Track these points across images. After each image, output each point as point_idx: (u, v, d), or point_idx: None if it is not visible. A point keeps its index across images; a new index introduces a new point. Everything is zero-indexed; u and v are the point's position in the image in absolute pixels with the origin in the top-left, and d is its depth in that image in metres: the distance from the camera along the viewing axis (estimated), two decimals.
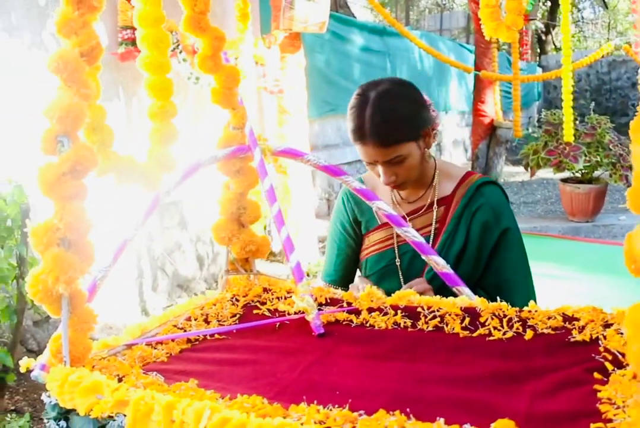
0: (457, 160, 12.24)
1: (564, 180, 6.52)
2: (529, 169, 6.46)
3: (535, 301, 1.58)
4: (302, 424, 0.85)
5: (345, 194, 1.74)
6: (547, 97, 17.59)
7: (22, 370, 1.19)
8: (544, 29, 20.01)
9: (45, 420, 1.08)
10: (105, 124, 1.26)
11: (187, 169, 1.44)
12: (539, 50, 21.14)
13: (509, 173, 10.78)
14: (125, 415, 0.95)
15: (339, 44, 7.54)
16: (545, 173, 8.24)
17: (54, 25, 1.04)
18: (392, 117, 1.46)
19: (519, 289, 1.59)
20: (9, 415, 3.02)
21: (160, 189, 1.40)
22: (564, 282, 3.67)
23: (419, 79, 10.24)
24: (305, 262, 5.47)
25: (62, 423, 1.05)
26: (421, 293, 1.43)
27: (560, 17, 4.90)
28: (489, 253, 1.58)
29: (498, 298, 1.35)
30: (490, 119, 9.91)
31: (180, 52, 3.76)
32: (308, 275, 5.22)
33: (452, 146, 12.14)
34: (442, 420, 0.84)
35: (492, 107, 9.87)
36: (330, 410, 0.91)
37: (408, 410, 0.88)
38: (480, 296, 1.51)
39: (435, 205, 1.63)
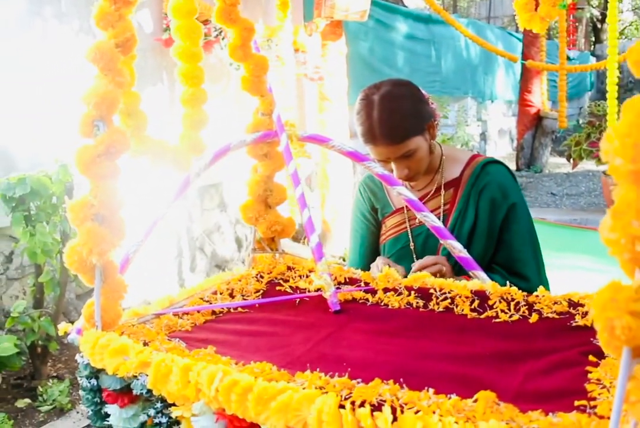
0: (502, 150, 12.09)
1: (607, 172, 6.41)
2: (571, 160, 6.39)
3: (544, 273, 1.64)
4: (303, 388, 0.93)
5: (361, 186, 1.86)
6: (600, 87, 17.14)
7: (60, 333, 1.30)
8: (600, 17, 19.48)
9: (79, 378, 1.19)
10: (140, 109, 1.36)
11: (217, 152, 1.52)
12: (593, 38, 20.58)
13: (555, 164, 10.63)
14: (147, 375, 1.05)
15: (383, 32, 7.53)
16: (591, 165, 8.11)
17: (93, 19, 1.13)
18: (398, 116, 1.54)
19: (529, 260, 1.66)
20: (50, 380, 3.20)
21: (190, 170, 1.49)
22: (601, 275, 3.64)
23: (465, 68, 10.15)
24: (342, 247, 5.54)
25: (93, 381, 1.16)
26: (441, 274, 1.50)
27: (616, 4, 4.78)
28: (499, 229, 1.66)
29: (509, 279, 1.41)
30: (536, 109, 9.79)
31: (223, 38, 3.85)
32: (344, 260, 5.29)
33: (497, 136, 12.00)
34: (431, 390, 0.91)
35: (539, 97, 9.75)
36: (332, 377, 0.98)
37: (401, 380, 0.95)
38: (495, 272, 1.58)
39: (442, 189, 1.70)
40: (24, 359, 3.25)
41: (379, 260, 1.67)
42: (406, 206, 1.71)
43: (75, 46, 3.61)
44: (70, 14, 3.59)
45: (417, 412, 0.84)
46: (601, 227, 0.69)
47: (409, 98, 1.58)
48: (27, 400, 3.11)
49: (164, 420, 1.06)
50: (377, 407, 0.86)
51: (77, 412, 3.03)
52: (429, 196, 1.72)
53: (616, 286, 0.68)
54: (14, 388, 3.23)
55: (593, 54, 17.12)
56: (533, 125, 9.80)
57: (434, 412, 0.83)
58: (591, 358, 1.05)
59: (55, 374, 3.35)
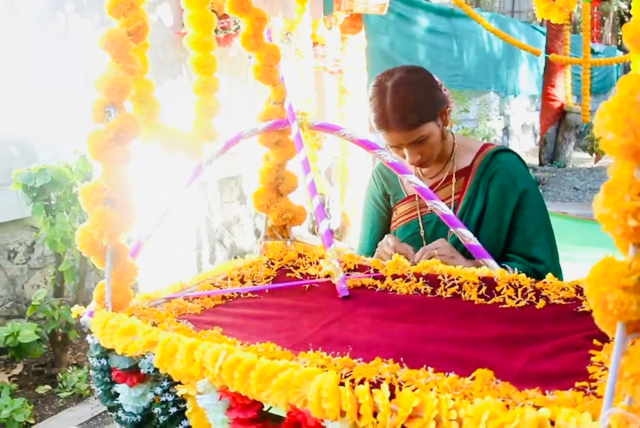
0: (525, 145, 11.98)
1: None
2: (593, 154, 6.31)
3: (558, 261, 1.63)
4: (305, 367, 0.94)
5: (375, 172, 1.86)
6: None
7: (73, 316, 1.33)
8: (627, 11, 19.18)
9: (90, 359, 1.22)
10: (153, 97, 1.38)
11: (229, 140, 1.54)
12: (621, 32, 20.29)
13: (579, 158, 10.50)
14: (154, 354, 1.07)
15: (404, 26, 7.50)
16: None
17: (106, 8, 1.15)
18: (411, 102, 1.54)
19: (543, 244, 1.65)
20: (70, 368, 3.27)
21: (203, 157, 1.51)
22: None
23: (488, 62, 10.06)
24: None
25: (103, 360, 1.18)
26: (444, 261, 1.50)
27: None
28: (511, 215, 1.65)
29: (527, 265, 1.41)
30: (560, 103, 9.69)
31: None
32: None
33: (520, 131, 11.89)
34: (430, 369, 0.92)
35: (562, 91, 9.64)
36: (334, 357, 0.99)
37: (402, 359, 0.96)
38: (511, 260, 1.58)
39: (454, 177, 1.70)
40: (45, 347, 3.31)
41: (388, 238, 1.67)
42: (417, 194, 1.71)
43: (96, 40, 3.66)
44: (91, 8, 3.64)
45: (414, 390, 0.85)
46: (595, 203, 0.70)
47: (421, 84, 1.59)
48: (47, 387, 3.17)
49: (170, 398, 1.09)
50: (375, 385, 0.87)
51: (95, 398, 3.08)
52: (440, 184, 1.73)
53: (609, 262, 0.68)
54: (35, 375, 3.30)
55: (620, 48, 16.85)
56: (556, 120, 9.70)
57: (431, 390, 0.84)
58: (595, 342, 1.05)
59: (74, 362, 3.41)
